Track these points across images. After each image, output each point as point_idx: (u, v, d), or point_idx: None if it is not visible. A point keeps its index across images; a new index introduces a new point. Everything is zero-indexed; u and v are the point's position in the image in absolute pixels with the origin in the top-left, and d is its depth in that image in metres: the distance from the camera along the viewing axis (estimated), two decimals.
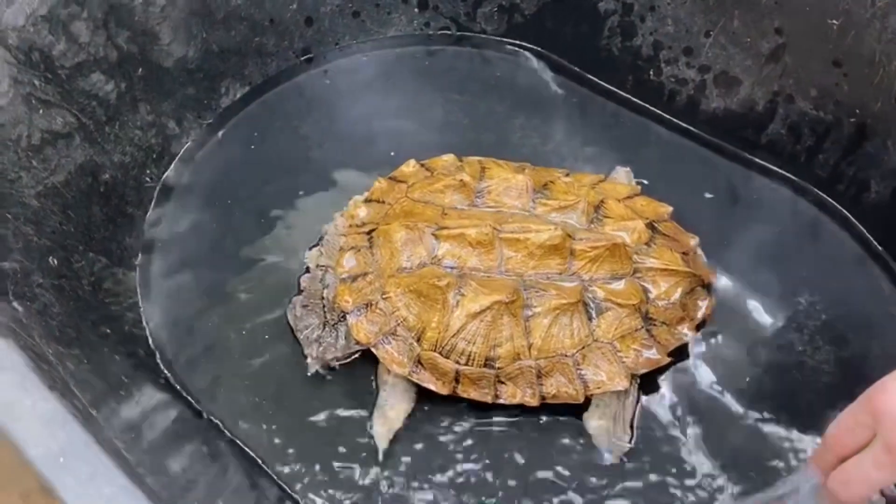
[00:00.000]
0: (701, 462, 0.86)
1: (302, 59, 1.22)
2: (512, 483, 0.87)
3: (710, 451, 0.87)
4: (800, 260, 0.99)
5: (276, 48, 1.19)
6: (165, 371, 0.94)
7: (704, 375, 0.92)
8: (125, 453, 0.60)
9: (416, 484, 0.87)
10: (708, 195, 1.05)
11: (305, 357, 0.93)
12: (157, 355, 0.96)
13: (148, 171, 1.09)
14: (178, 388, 0.92)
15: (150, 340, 0.97)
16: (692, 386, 0.91)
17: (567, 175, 1.00)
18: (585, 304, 0.88)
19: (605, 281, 0.89)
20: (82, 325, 0.85)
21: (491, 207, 0.94)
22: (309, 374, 0.93)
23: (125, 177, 1.05)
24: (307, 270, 1.00)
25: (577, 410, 0.89)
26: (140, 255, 1.04)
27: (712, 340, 0.94)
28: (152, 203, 1.08)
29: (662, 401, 0.90)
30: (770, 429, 0.88)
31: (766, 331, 0.94)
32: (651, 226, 0.94)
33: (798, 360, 0.92)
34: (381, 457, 0.88)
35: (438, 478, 0.88)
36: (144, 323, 0.98)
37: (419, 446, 0.89)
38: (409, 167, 1.02)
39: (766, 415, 0.89)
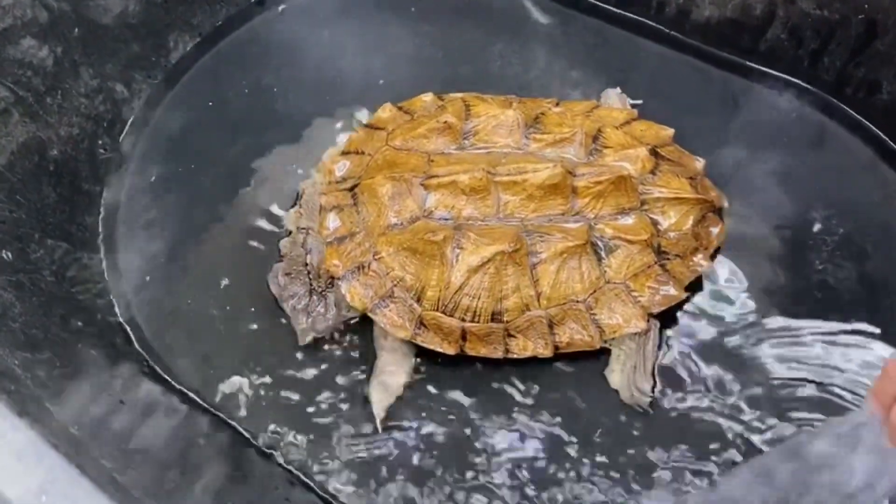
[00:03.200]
0: (730, 402, 0.81)
1: (253, 0, 1.11)
2: (529, 440, 0.82)
3: (740, 388, 0.82)
4: (810, 172, 0.93)
5: None
6: (149, 360, 0.87)
7: (724, 306, 0.86)
8: (116, 476, 0.54)
9: (423, 452, 0.82)
10: (707, 111, 0.98)
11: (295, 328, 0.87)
12: (137, 343, 0.88)
13: (100, 142, 0.99)
14: (167, 377, 0.85)
15: (128, 328, 0.89)
16: (712, 319, 0.86)
17: (557, 105, 0.93)
18: (593, 245, 0.82)
19: (611, 217, 0.83)
20: (50, 324, 0.77)
21: (481, 149, 0.87)
22: (301, 344, 0.86)
23: (76, 151, 0.96)
24: (287, 234, 0.93)
25: (596, 356, 0.84)
26: (103, 234, 0.96)
27: (728, 268, 0.88)
28: (109, 176, 0.99)
29: (682, 338, 0.85)
30: (802, 359, 0.83)
31: (782, 252, 0.89)
32: (654, 152, 0.87)
33: (820, 279, 0.87)
34: (379, 427, 0.82)
35: (447, 443, 0.82)
36: (118, 309, 0.90)
37: (426, 411, 0.84)
38: (386, 112, 0.94)
39: (794, 343, 0.84)
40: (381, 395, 0.83)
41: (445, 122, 0.87)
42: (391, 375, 0.84)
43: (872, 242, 0.88)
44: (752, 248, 0.89)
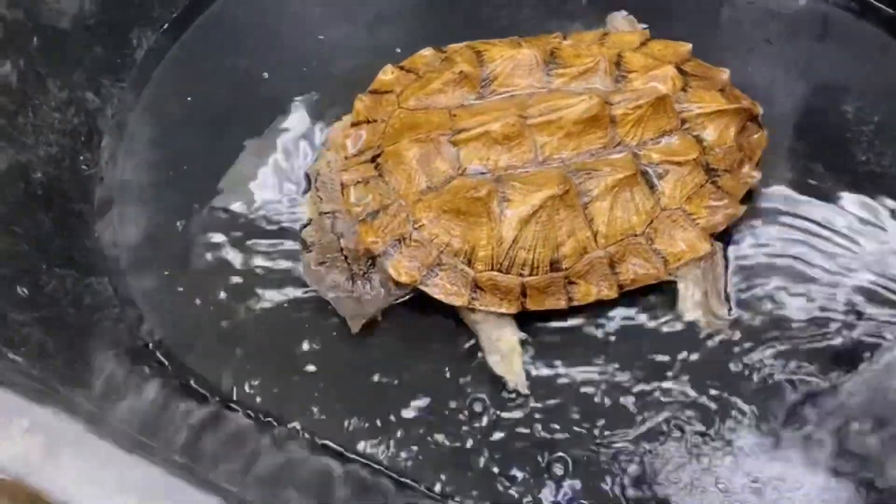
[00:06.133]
0: (807, 309, 0.79)
1: None
2: (618, 388, 0.79)
3: (812, 295, 0.80)
4: (830, 65, 0.92)
5: None
6: (190, 381, 0.80)
7: (776, 215, 0.84)
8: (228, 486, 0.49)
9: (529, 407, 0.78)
10: (714, 20, 0.95)
11: (342, 318, 0.81)
12: (169, 363, 0.82)
13: (81, 158, 0.91)
14: (213, 396, 0.79)
15: (158, 349, 0.82)
16: (767, 230, 0.83)
17: (565, 38, 0.88)
18: (643, 173, 0.78)
19: (654, 142, 0.79)
20: (88, 356, 0.70)
21: (502, 94, 0.82)
22: (354, 332, 0.81)
23: (58, 170, 0.88)
24: (308, 222, 0.86)
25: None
26: (104, 254, 0.88)
27: (775, 175, 0.85)
28: (97, 192, 0.91)
29: (744, 254, 0.82)
30: (864, 253, 0.81)
31: (823, 150, 0.87)
32: (679, 69, 0.83)
33: (866, 170, 0.86)
34: (527, 391, 0.78)
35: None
36: (141, 331, 0.83)
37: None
38: (388, 74, 0.88)
39: (857, 239, 0.82)
40: (504, 364, 0.79)
41: (461, 72, 0.82)
42: (500, 341, 0.79)
43: None
44: (793, 151, 0.87)
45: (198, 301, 0.85)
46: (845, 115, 0.88)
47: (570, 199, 0.76)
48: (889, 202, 0.83)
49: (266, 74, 0.97)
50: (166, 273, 0.87)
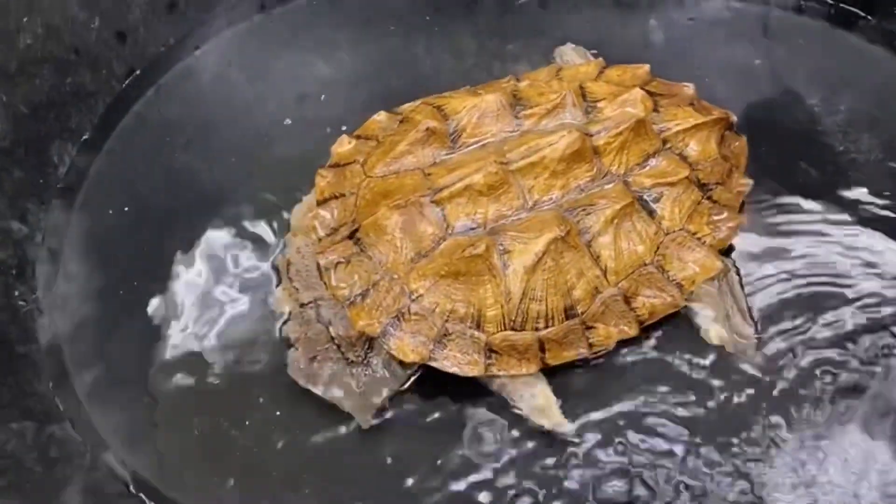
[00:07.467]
0: (830, 315, 0.76)
1: (127, 82, 0.95)
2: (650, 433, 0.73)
3: (831, 300, 0.77)
4: (783, 64, 0.91)
5: (95, 83, 0.93)
6: None
7: (774, 221, 0.81)
8: None
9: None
10: (656, 36, 0.94)
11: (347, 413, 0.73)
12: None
13: (16, 293, 0.82)
14: None
15: (142, 491, 0.72)
16: (771, 237, 0.80)
17: (518, 80, 0.84)
18: (639, 200, 0.74)
19: (641, 166, 0.76)
20: None
21: (474, 145, 0.77)
22: (365, 428, 0.73)
23: None
24: (287, 318, 0.78)
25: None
26: (59, 397, 0.78)
27: (761, 179, 0.83)
28: (39, 329, 0.81)
29: (752, 266, 0.79)
30: (866, 243, 0.79)
31: (800, 148, 0.85)
32: (644, 90, 0.80)
33: (848, 159, 0.84)
34: (572, 436, 0.73)
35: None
36: (121, 474, 0.73)
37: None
38: (345, 145, 0.82)
39: (856, 230, 0.80)
40: (544, 417, 0.73)
41: (428, 128, 0.76)
42: (534, 397, 0.73)
43: (877, 105, 0.87)
44: (773, 153, 0.85)
45: (177, 430, 0.76)
46: (813, 108, 0.87)
47: (572, 239, 0.71)
48: (883, 184, 0.82)
49: (208, 168, 0.89)
50: (135, 405, 0.77)
